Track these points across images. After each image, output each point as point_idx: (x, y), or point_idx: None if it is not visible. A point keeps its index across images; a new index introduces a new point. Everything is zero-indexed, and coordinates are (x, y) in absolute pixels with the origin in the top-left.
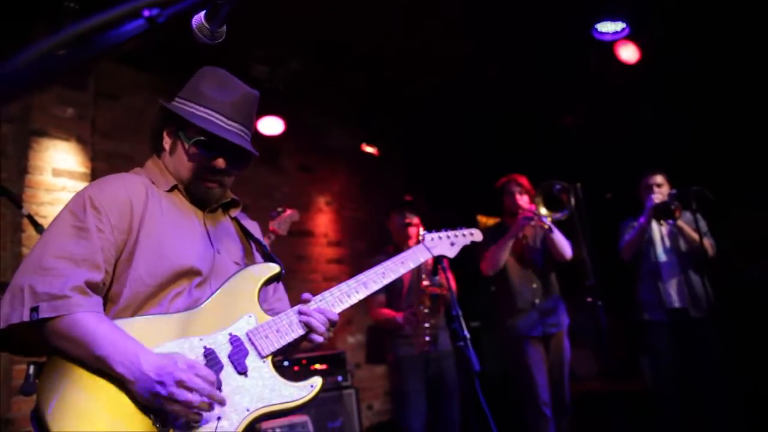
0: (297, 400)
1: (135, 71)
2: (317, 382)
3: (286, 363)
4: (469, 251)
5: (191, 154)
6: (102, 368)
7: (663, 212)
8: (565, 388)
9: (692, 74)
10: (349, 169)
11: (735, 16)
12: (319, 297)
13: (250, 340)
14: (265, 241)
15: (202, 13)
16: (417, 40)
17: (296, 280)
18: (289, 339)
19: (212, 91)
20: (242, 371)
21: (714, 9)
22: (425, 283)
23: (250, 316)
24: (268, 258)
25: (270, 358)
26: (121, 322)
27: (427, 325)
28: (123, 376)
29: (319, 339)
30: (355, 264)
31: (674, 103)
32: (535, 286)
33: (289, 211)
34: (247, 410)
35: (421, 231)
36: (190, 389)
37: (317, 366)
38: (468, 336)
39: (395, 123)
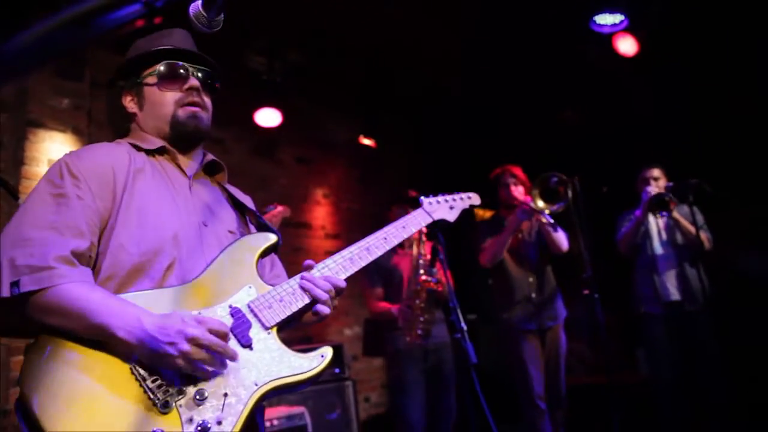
0: (308, 371)
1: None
2: (328, 351)
3: None
4: (467, 244)
5: (163, 85)
6: (100, 337)
7: (658, 204)
8: (561, 381)
9: (691, 67)
10: (347, 161)
11: (735, 8)
12: (321, 264)
13: (252, 311)
14: None
15: (200, 1)
16: (415, 32)
17: (293, 272)
18: (294, 308)
19: (149, 40)
20: (247, 344)
21: (713, 1)
22: (423, 277)
23: (250, 287)
24: (264, 228)
25: (275, 329)
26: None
27: (422, 318)
28: (125, 341)
29: (325, 309)
30: None
31: (672, 96)
32: (531, 279)
33: (280, 208)
34: (255, 384)
35: (423, 198)
36: (203, 345)
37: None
38: (465, 328)
39: (393, 115)
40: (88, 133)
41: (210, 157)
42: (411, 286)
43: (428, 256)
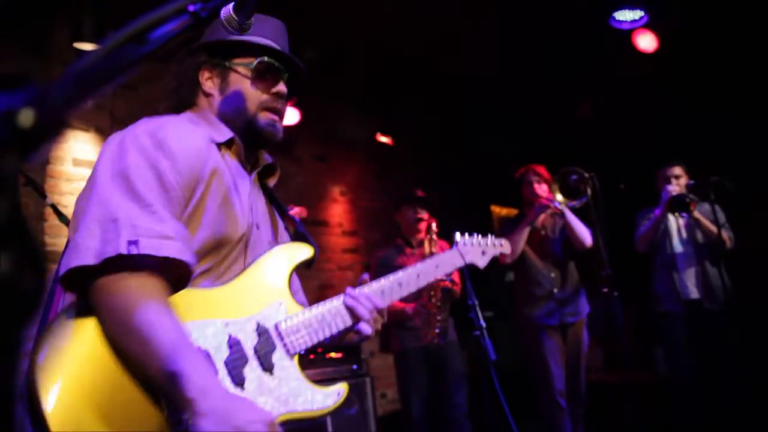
0: (322, 408)
1: (152, 62)
2: (344, 389)
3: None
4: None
5: (256, 81)
6: (159, 380)
7: (678, 205)
8: (581, 378)
9: (711, 63)
10: (364, 159)
11: (755, 4)
12: (365, 286)
13: (279, 334)
14: None
15: (231, 4)
16: (433, 29)
17: (311, 269)
18: (321, 336)
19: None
20: (268, 368)
21: None
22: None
23: (281, 304)
24: (300, 237)
25: (297, 357)
26: None
27: (439, 317)
28: (190, 400)
29: (367, 330)
30: (370, 254)
31: (693, 93)
32: (553, 275)
33: (297, 209)
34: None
35: (457, 236)
36: None
37: (332, 354)
38: (484, 325)
39: (411, 113)
40: (110, 133)
41: (269, 159)
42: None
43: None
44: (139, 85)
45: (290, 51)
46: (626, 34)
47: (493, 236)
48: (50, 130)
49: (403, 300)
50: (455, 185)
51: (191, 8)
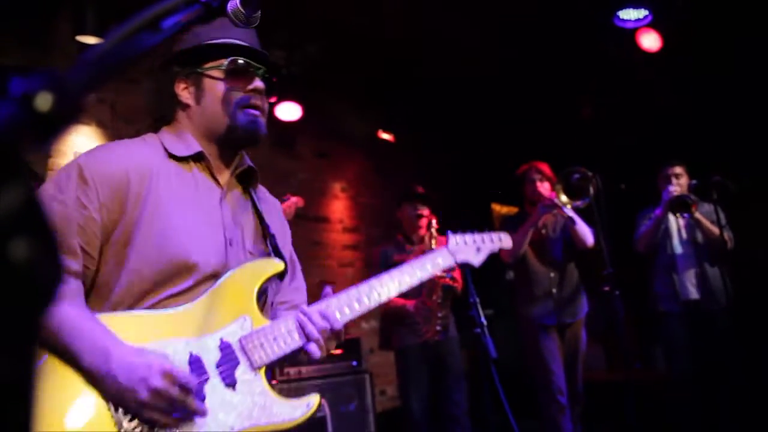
0: (289, 420)
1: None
2: (313, 400)
3: None
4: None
5: (229, 81)
6: (69, 360)
7: (679, 206)
8: (578, 378)
9: (716, 63)
10: (365, 155)
11: (760, 3)
12: (324, 302)
13: (242, 348)
14: None
15: None
16: (435, 26)
17: (312, 266)
18: (286, 349)
19: (211, 29)
20: (230, 383)
21: None
22: (438, 274)
23: (245, 319)
24: (274, 250)
25: (263, 370)
26: (101, 316)
27: (439, 315)
28: (88, 371)
29: (315, 351)
30: (371, 251)
31: (696, 93)
32: (553, 275)
33: (294, 198)
34: (232, 428)
35: (450, 235)
36: (166, 400)
37: (332, 351)
38: (485, 323)
39: (412, 109)
40: (112, 127)
41: (246, 163)
42: (425, 282)
43: None
44: (140, 79)
45: (292, 49)
46: (630, 34)
47: (492, 232)
48: (68, 114)
49: (404, 296)
50: (456, 182)
51: None
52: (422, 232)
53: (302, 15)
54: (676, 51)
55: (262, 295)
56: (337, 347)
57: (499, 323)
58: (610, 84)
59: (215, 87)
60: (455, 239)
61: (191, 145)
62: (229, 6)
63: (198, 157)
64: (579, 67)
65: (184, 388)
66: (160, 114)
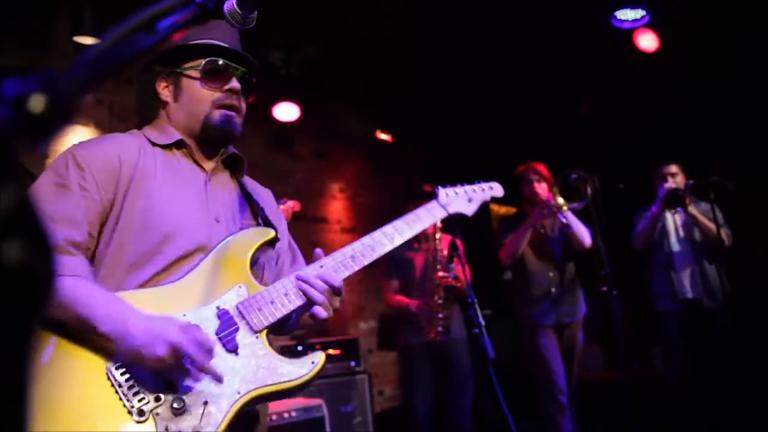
0: (296, 379)
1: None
2: (319, 357)
3: (300, 347)
4: (485, 240)
5: (204, 82)
6: (83, 329)
7: (673, 200)
8: (574, 377)
9: (713, 63)
10: (363, 156)
11: (757, 3)
12: (318, 263)
13: (240, 313)
14: None
15: None
16: (433, 26)
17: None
18: (285, 311)
19: (197, 28)
20: (232, 349)
21: None
22: (440, 273)
23: (240, 287)
24: (264, 223)
25: (264, 333)
26: None
27: (440, 315)
28: (106, 335)
29: (322, 313)
30: None
31: (694, 93)
32: (551, 275)
33: (291, 203)
34: (238, 393)
35: (439, 189)
36: (184, 355)
37: (331, 351)
38: (483, 323)
39: (410, 110)
40: (109, 127)
41: (230, 151)
42: (427, 282)
43: (445, 252)
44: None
45: (290, 50)
46: (627, 34)
47: (481, 181)
48: (61, 116)
49: (408, 296)
50: (454, 183)
51: None
52: (429, 230)
53: (300, 15)
54: (673, 51)
55: (255, 265)
56: (335, 348)
57: (498, 323)
58: (607, 84)
59: (192, 86)
60: (445, 192)
61: (172, 135)
62: (226, 7)
63: (179, 144)
64: (577, 67)
65: (202, 345)
66: (146, 115)
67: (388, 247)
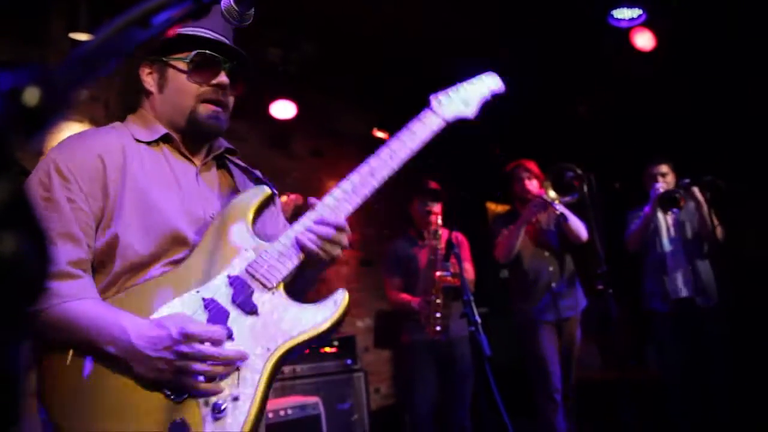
0: (321, 323)
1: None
2: (340, 296)
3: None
4: (480, 239)
5: (192, 75)
6: (95, 353)
7: (668, 202)
8: (571, 374)
9: (710, 62)
10: (360, 154)
11: (754, 3)
12: (320, 204)
13: (251, 275)
14: None
15: None
16: (430, 23)
17: None
18: (295, 262)
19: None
20: (252, 310)
21: None
22: (438, 273)
23: (247, 250)
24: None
25: (281, 286)
26: (113, 300)
27: (438, 315)
28: (116, 357)
29: (331, 252)
30: (366, 249)
31: (690, 92)
32: (551, 268)
33: (293, 196)
34: (268, 350)
35: (431, 98)
36: (197, 359)
37: (327, 349)
38: (479, 321)
39: (407, 108)
40: (105, 124)
41: (222, 145)
42: (426, 281)
43: (443, 249)
44: None
45: (288, 47)
46: (624, 33)
47: (475, 78)
48: (56, 109)
49: (410, 293)
50: (451, 183)
51: None
52: (434, 227)
53: (298, 13)
54: (670, 50)
55: (259, 224)
56: (331, 345)
57: (494, 321)
58: (604, 83)
59: (178, 78)
60: (437, 99)
61: (157, 129)
62: (223, 3)
63: (166, 139)
64: (574, 66)
65: (212, 338)
66: (130, 103)
67: (389, 170)
